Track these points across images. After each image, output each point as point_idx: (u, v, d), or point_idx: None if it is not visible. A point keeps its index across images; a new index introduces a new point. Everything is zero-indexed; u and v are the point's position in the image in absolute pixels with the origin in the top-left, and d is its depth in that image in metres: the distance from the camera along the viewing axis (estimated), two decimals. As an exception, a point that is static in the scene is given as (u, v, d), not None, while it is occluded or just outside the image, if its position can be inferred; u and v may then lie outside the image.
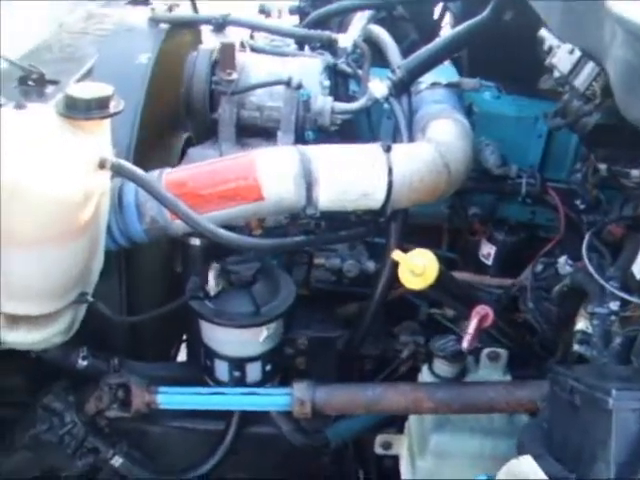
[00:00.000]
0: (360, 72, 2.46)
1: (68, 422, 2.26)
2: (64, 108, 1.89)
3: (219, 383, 2.26)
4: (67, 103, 1.89)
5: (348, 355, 2.44)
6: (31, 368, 2.31)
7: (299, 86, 2.22)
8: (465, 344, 1.96)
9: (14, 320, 1.93)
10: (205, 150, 2.29)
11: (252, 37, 2.72)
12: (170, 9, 2.56)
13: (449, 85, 2.47)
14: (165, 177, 2.04)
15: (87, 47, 2.52)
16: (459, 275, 2.43)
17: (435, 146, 2.10)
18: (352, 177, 2.00)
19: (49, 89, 2.29)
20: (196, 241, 2.31)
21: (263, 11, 3.05)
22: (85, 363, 2.26)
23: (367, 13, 2.79)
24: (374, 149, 2.04)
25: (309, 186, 1.97)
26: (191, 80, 2.28)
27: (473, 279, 2.48)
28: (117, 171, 1.91)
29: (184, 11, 2.64)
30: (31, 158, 1.81)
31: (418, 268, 1.79)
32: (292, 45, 2.72)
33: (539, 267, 2.35)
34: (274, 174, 1.97)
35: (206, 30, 2.81)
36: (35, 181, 1.78)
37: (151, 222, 2.02)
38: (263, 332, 2.17)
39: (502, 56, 2.53)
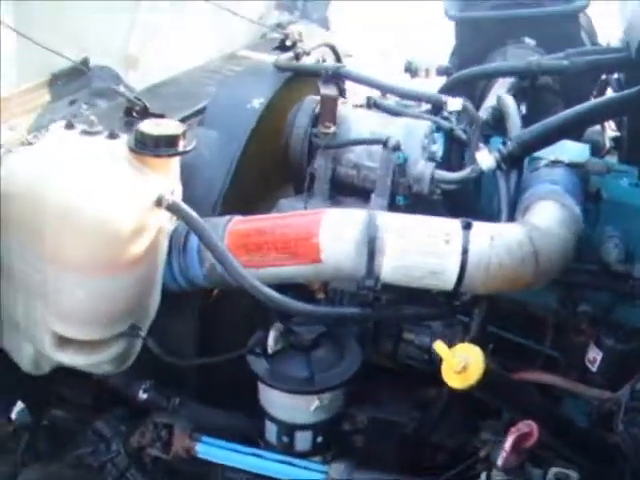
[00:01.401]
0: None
1: (113, 450, 2.16)
2: (134, 142, 1.80)
3: (268, 445, 2.06)
4: (137, 138, 1.80)
5: (418, 441, 2.16)
6: (97, 388, 2.24)
7: (396, 147, 2.00)
8: (500, 462, 1.65)
9: (63, 341, 1.89)
10: (295, 203, 2.12)
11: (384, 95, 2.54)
12: (297, 57, 2.43)
13: (571, 165, 2.15)
14: (232, 224, 1.89)
15: (211, 86, 2.43)
16: (550, 378, 2.09)
17: (527, 230, 1.81)
18: (421, 252, 1.75)
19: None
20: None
21: (410, 70, 2.85)
22: (145, 396, 2.16)
23: (508, 81, 2.52)
24: (452, 225, 1.78)
25: (371, 255, 1.75)
26: (291, 130, 2.13)
27: (566, 384, 2.12)
28: (172, 211, 1.78)
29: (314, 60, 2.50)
30: (87, 183, 1.76)
31: (458, 365, 1.51)
32: (424, 106, 2.50)
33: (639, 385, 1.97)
34: (335, 236, 1.76)
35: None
36: (87, 206, 1.73)
37: (211, 268, 1.88)
38: (315, 401, 1.95)
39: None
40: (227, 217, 1.92)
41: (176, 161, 1.86)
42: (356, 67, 2.32)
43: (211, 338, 2.21)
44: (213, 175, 2.16)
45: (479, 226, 1.79)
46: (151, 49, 3.74)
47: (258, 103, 2.26)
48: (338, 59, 2.73)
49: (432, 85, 2.94)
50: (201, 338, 2.18)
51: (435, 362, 2.19)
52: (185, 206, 1.79)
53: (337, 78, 2.16)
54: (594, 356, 2.18)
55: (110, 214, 1.72)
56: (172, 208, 1.78)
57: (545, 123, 2.02)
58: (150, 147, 1.79)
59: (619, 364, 2.15)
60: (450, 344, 2.17)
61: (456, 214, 2.19)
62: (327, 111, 2.08)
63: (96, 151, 1.83)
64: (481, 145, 2.12)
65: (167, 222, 1.85)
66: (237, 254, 1.84)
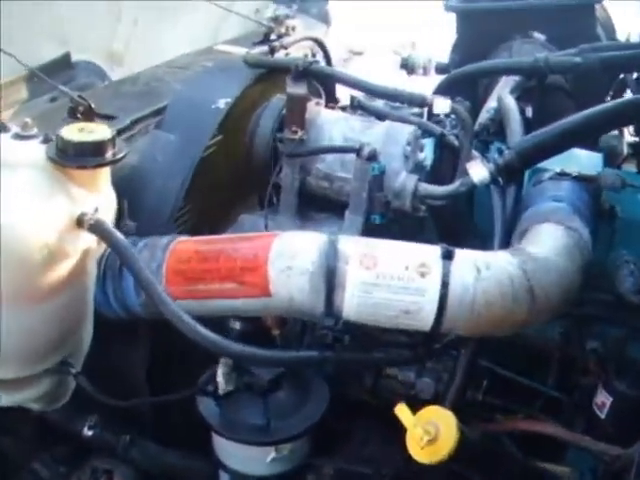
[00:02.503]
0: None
1: (51, 494, 1.83)
2: (54, 150, 1.46)
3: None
4: (58, 145, 1.46)
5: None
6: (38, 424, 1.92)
7: (371, 157, 1.64)
8: None
9: (-15, 378, 1.58)
10: (258, 219, 1.77)
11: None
12: (272, 51, 2.08)
13: (581, 178, 1.78)
14: (173, 246, 1.55)
15: (175, 84, 2.09)
16: (552, 429, 1.73)
17: (521, 261, 1.45)
18: (390, 287, 1.39)
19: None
20: (235, 324, 1.78)
21: (406, 66, 2.49)
22: (91, 433, 1.83)
23: (513, 79, 2.15)
24: (429, 253, 1.43)
25: (330, 290, 1.40)
26: (254, 134, 1.78)
27: (570, 437, 1.75)
28: (94, 232, 1.44)
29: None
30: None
31: (423, 438, 1.16)
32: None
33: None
34: (286, 266, 1.41)
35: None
36: (-6, 232, 1.38)
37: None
38: (271, 452, 1.61)
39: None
40: (169, 237, 1.58)
41: (105, 172, 1.52)
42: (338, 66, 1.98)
43: (166, 370, 1.88)
44: (167, 184, 1.83)
45: (462, 255, 1.43)
46: (138, 44, 3.43)
47: (224, 103, 1.91)
48: (327, 55, 2.37)
49: (430, 84, 2.60)
50: (154, 370, 1.85)
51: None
52: (109, 226, 1.45)
53: (308, 75, 1.79)
54: (603, 400, 1.82)
55: (21, 237, 1.39)
56: (94, 229, 1.44)
57: (550, 129, 1.65)
58: (72, 156, 1.45)
59: (631, 412, 1.78)
60: (438, 379, 1.85)
61: (446, 234, 1.86)
62: (294, 113, 1.72)
63: (13, 160, 1.49)
64: (474, 154, 1.76)
65: (96, 244, 1.52)
66: (176, 282, 1.51)
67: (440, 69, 2.47)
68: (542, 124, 2.13)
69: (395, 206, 1.71)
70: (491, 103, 2.15)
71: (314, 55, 2.50)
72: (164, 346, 1.82)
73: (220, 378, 1.62)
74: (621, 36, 2.65)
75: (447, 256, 1.41)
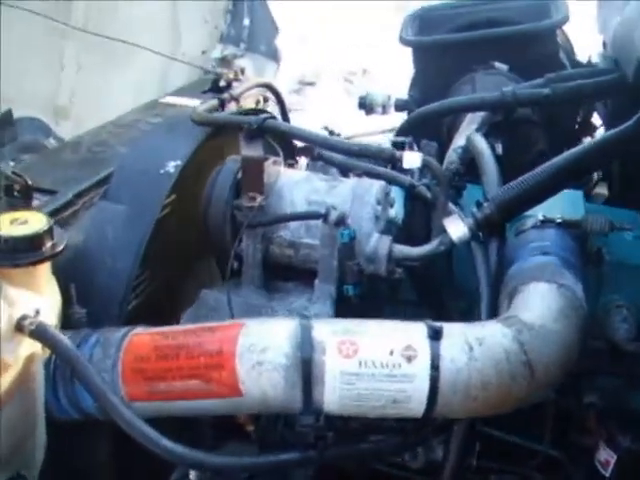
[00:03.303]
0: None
1: None
2: (-14, 248, 1.27)
3: None
4: (-9, 241, 1.27)
5: None
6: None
7: (339, 222, 1.47)
8: None
9: None
10: (220, 294, 1.59)
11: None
12: (222, 104, 1.90)
13: (565, 224, 1.63)
14: (129, 341, 1.36)
15: (120, 147, 1.90)
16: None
17: (515, 332, 1.29)
18: (375, 377, 1.22)
19: (40, 200, 1.70)
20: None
21: (364, 105, 2.33)
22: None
23: (479, 115, 2.00)
24: (415, 334, 1.26)
25: (307, 384, 1.22)
26: (209, 202, 1.60)
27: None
28: (36, 338, 1.25)
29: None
30: None
31: None
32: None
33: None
34: (256, 361, 1.23)
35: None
36: None
37: (103, 400, 1.34)
38: None
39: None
40: (123, 330, 1.39)
41: (44, 267, 1.33)
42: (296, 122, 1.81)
43: (133, 468, 1.68)
44: (118, 262, 1.63)
45: (451, 331, 1.26)
46: (83, 93, 3.23)
47: (173, 166, 1.73)
48: (280, 101, 2.19)
49: (390, 123, 2.45)
50: (120, 468, 1.66)
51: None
52: (53, 331, 1.26)
53: (263, 132, 1.62)
54: (607, 458, 1.66)
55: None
56: (35, 334, 1.25)
57: (530, 178, 1.50)
58: (5, 254, 1.26)
59: (636, 468, 1.64)
60: (430, 448, 1.69)
61: (424, 293, 1.69)
62: (251, 177, 1.55)
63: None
64: (451, 207, 1.60)
65: (35, 348, 1.33)
66: (134, 382, 1.32)
67: (399, 106, 2.31)
68: (513, 159, 2.00)
69: (369, 271, 1.54)
70: (458, 142, 1.99)
71: (266, 100, 2.34)
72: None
73: (193, 476, 1.44)
74: (581, 57, 2.52)
75: (435, 336, 1.25)
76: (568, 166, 1.51)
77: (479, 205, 1.53)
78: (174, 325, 1.44)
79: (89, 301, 1.56)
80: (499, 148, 2.00)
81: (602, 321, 1.64)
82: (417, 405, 1.25)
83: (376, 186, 1.58)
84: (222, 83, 2.27)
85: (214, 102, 1.89)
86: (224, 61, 2.98)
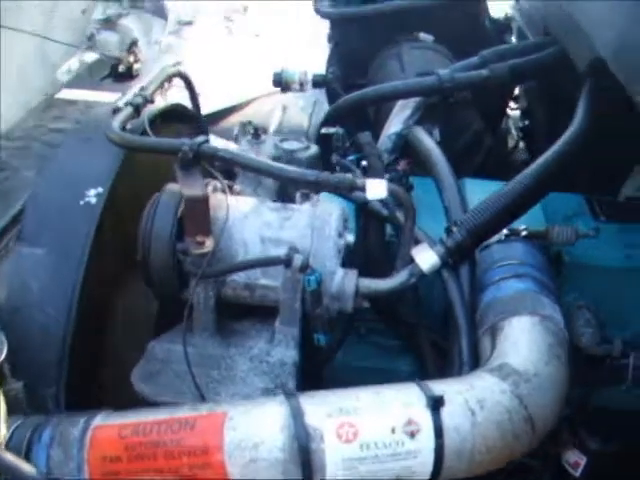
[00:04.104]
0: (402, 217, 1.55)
1: None
2: None
3: None
4: None
5: None
6: None
7: (304, 268, 1.35)
8: None
9: None
10: (173, 345, 1.45)
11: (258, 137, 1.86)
12: (137, 111, 1.69)
13: (531, 236, 1.57)
14: (92, 437, 1.21)
15: (26, 171, 1.68)
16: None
17: (512, 386, 1.24)
18: (378, 458, 1.15)
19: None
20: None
21: (279, 82, 2.17)
22: None
23: (413, 100, 1.89)
24: (414, 405, 1.18)
25: (307, 475, 1.13)
26: (148, 246, 1.43)
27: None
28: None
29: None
30: None
31: None
32: (312, 148, 1.85)
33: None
34: (249, 459, 1.13)
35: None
36: None
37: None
38: None
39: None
40: (81, 423, 1.24)
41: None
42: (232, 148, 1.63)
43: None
44: (49, 317, 1.46)
45: (451, 398, 1.20)
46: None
47: (95, 195, 1.54)
48: (192, 90, 2.00)
49: (308, 99, 2.31)
50: None
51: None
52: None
53: (200, 159, 1.45)
54: (576, 460, 1.68)
55: None
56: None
57: (498, 200, 1.43)
58: None
59: (609, 467, 1.66)
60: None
61: (389, 322, 1.62)
62: (196, 219, 1.39)
63: None
64: (419, 234, 1.51)
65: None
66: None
67: (318, 83, 2.16)
68: (450, 141, 1.92)
69: (334, 309, 1.44)
70: (392, 128, 1.89)
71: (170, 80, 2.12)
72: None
73: None
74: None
75: (435, 407, 1.18)
76: (535, 182, 1.45)
77: (448, 231, 1.45)
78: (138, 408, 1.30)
79: (23, 370, 1.40)
80: (436, 133, 1.92)
81: (565, 323, 1.62)
82: (421, 477, 1.19)
83: (335, 215, 1.45)
84: (121, 68, 2.05)
85: (128, 111, 1.68)
86: (108, 22, 2.70)
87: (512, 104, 2.59)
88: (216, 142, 1.79)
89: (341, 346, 1.53)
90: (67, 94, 1.98)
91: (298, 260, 1.36)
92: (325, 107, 2.34)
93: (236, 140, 1.97)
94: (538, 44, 1.93)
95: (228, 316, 1.51)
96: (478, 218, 1.42)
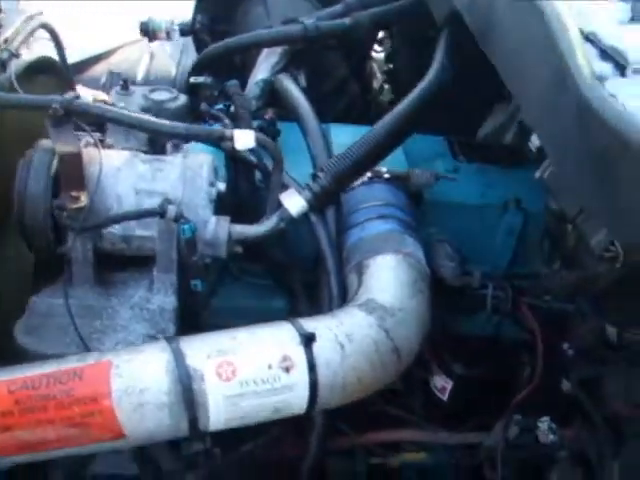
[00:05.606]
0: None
1: None
2: None
3: None
4: None
5: None
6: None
7: (178, 218, 1.43)
8: None
9: None
10: (54, 299, 1.50)
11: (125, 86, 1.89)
12: (3, 66, 1.70)
13: (393, 178, 1.70)
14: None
15: None
16: (402, 434, 1.74)
17: (379, 319, 1.38)
18: (256, 393, 1.26)
19: None
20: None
21: (146, 31, 2.19)
22: None
23: (279, 48, 1.96)
24: (288, 341, 1.30)
25: (193, 414, 1.24)
26: (23, 205, 1.46)
27: (423, 437, 1.78)
28: None
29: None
30: None
31: None
32: (181, 98, 1.89)
33: (514, 430, 1.66)
34: (137, 404, 1.22)
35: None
36: None
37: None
38: None
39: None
40: None
41: None
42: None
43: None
44: None
45: (321, 333, 1.32)
46: None
47: None
48: (55, 39, 1.99)
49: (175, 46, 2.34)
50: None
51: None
52: None
53: (72, 115, 1.48)
54: (443, 385, 1.84)
55: None
56: None
57: (360, 146, 1.54)
58: None
59: (471, 391, 1.84)
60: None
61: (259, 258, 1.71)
62: (71, 176, 1.44)
63: None
64: (287, 180, 1.60)
65: None
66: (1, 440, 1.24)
67: (185, 31, 2.19)
68: (316, 87, 2.01)
69: (209, 255, 1.52)
70: (259, 75, 1.97)
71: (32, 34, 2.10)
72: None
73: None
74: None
75: (308, 343, 1.29)
76: (394, 129, 1.57)
77: (314, 177, 1.56)
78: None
79: None
80: (302, 79, 2.00)
81: (426, 255, 1.76)
82: (298, 408, 1.31)
83: (205, 166, 1.53)
84: (-20, 29, 2.01)
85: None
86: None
87: (377, 47, 2.70)
88: (83, 92, 1.82)
89: (216, 290, 1.62)
90: None
91: (172, 211, 1.43)
92: (193, 54, 2.37)
93: (103, 89, 1.99)
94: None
95: (107, 268, 1.58)
96: (342, 164, 1.53)
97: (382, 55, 2.72)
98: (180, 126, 1.49)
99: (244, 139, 1.49)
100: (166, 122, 1.51)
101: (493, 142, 2.12)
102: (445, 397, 1.84)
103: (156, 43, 2.25)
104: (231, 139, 1.49)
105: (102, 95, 1.91)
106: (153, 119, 1.51)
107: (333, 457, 1.83)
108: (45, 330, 1.50)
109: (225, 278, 1.72)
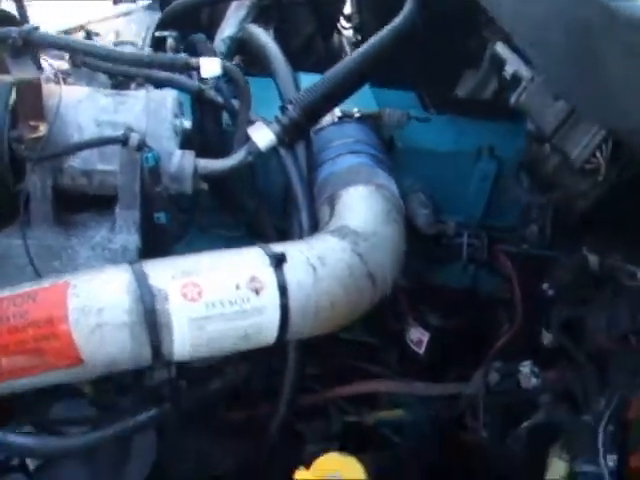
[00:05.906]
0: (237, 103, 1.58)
1: None
2: None
3: None
4: None
5: None
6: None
7: (141, 146, 1.37)
8: None
9: None
10: (11, 239, 1.42)
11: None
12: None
13: (364, 117, 1.65)
14: None
15: None
16: (378, 385, 1.68)
17: (352, 244, 1.31)
18: (224, 316, 1.19)
19: None
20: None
21: (109, -9, 2.13)
22: None
23: (247, 3, 1.92)
24: (257, 262, 1.23)
25: (155, 338, 1.17)
26: (-22, 136, 1.40)
27: (400, 388, 1.72)
28: None
29: None
30: None
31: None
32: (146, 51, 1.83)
33: (494, 376, 1.61)
34: (94, 326, 1.14)
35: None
36: None
37: None
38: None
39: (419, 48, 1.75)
40: None
41: None
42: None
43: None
44: None
45: (292, 255, 1.25)
46: None
47: None
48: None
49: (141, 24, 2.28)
50: None
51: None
52: None
53: (31, 46, 1.42)
54: (419, 337, 1.79)
55: None
56: None
57: (329, 79, 1.49)
58: None
59: (448, 343, 1.79)
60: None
61: (226, 202, 1.65)
62: (29, 103, 1.37)
63: None
64: (253, 116, 1.54)
65: None
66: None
67: (149, -11, 2.14)
68: (284, 43, 1.97)
69: (173, 190, 1.46)
70: (226, 31, 1.92)
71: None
72: None
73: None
74: None
75: (278, 264, 1.23)
76: (364, 64, 1.52)
77: (283, 109, 1.50)
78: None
79: None
80: (270, 34, 1.96)
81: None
82: (268, 335, 1.24)
83: (170, 98, 1.47)
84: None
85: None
86: None
87: (345, 23, 2.67)
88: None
89: (187, 231, 1.55)
90: None
91: (135, 139, 1.37)
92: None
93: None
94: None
95: (68, 209, 1.51)
96: (311, 96, 1.48)
97: (351, 32, 2.70)
98: (145, 55, 1.44)
99: (210, 67, 1.43)
100: (132, 51, 1.45)
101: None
102: (422, 350, 1.78)
103: (121, 20, 2.18)
104: (197, 67, 1.43)
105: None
106: (116, 49, 1.46)
107: (307, 418, 1.77)
108: (3, 271, 1.43)
109: (193, 229, 1.65)
